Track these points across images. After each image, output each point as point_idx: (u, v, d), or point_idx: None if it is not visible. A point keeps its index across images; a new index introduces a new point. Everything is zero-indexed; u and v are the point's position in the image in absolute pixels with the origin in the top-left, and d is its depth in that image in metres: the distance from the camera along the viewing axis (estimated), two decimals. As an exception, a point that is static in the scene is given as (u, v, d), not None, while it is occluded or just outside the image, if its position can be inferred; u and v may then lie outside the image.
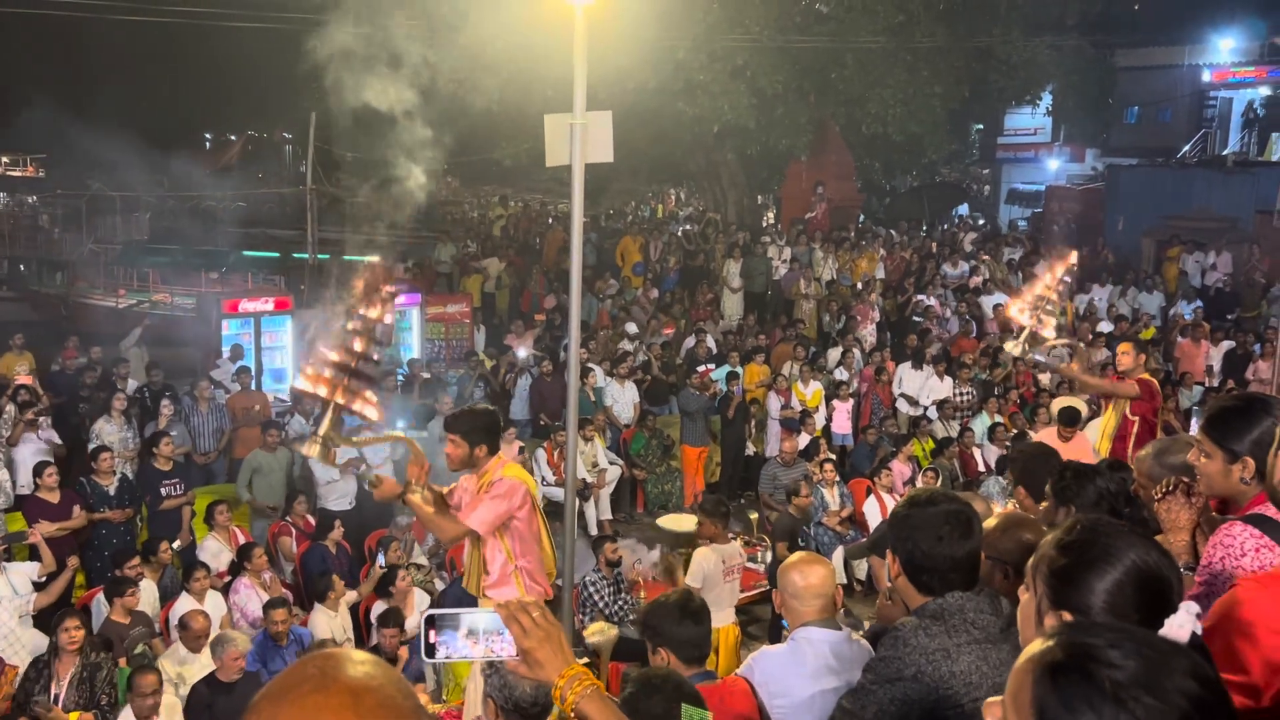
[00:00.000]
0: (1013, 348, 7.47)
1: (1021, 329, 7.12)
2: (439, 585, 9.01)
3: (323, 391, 4.46)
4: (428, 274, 19.96)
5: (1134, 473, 3.78)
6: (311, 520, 9.82)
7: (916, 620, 2.51)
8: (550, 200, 34.97)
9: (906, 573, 2.66)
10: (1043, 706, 1.36)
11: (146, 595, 8.05)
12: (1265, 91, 30.51)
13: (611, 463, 12.27)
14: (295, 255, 20.16)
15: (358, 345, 4.50)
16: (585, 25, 7.10)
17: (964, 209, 34.29)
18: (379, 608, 8.00)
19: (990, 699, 1.47)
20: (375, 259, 19.91)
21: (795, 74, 19.59)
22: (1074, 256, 7.89)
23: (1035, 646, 1.41)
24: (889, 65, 20.68)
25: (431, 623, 2.09)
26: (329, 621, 7.92)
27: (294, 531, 9.58)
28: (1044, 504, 3.86)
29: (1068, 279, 7.85)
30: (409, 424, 12.06)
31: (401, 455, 11.12)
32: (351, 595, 8.32)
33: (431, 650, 2.09)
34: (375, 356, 4.70)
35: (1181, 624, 1.54)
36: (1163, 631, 1.55)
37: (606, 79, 14.07)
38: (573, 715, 2.12)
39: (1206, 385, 15.03)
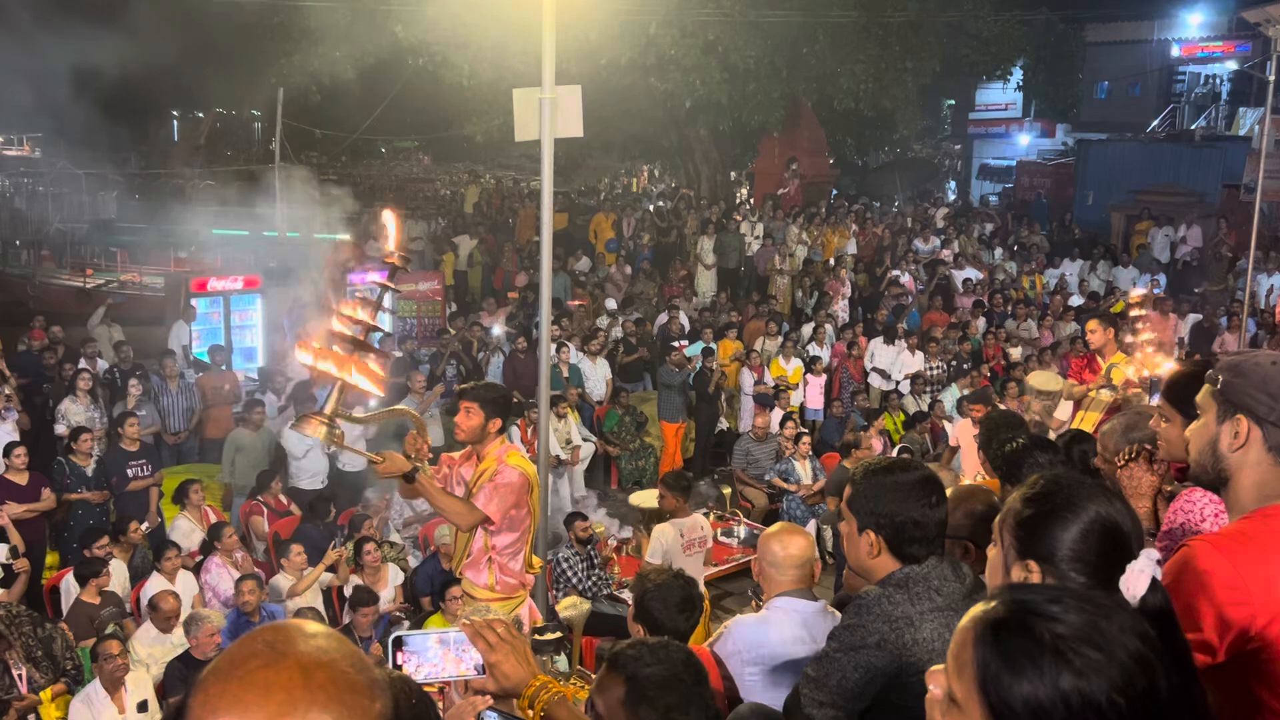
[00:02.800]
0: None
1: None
2: (412, 562, 9.01)
3: (328, 366, 4.23)
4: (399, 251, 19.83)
5: (1098, 445, 3.81)
6: (284, 500, 9.77)
7: (880, 589, 2.52)
8: (523, 177, 34.78)
9: (892, 546, 2.57)
10: (984, 664, 1.35)
11: (117, 575, 8.00)
12: (1232, 66, 30.74)
13: (585, 439, 12.28)
14: (265, 233, 19.96)
15: (363, 314, 4.29)
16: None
17: (952, 186, 34.38)
18: (352, 582, 7.99)
19: (934, 667, 1.47)
20: (346, 237, 19.80)
21: (767, 49, 19.53)
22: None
23: (977, 608, 1.42)
24: (860, 40, 20.65)
25: (399, 644, 2.13)
26: (290, 585, 7.90)
27: (266, 511, 9.54)
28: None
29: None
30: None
31: (375, 433, 11.08)
32: (328, 578, 8.29)
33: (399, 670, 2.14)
34: (382, 326, 4.49)
35: (1142, 569, 1.55)
36: (1124, 576, 1.56)
37: (578, 53, 14.01)
38: None
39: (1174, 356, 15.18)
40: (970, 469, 7.29)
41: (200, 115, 37.08)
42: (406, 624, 7.91)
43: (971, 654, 1.38)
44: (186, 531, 8.94)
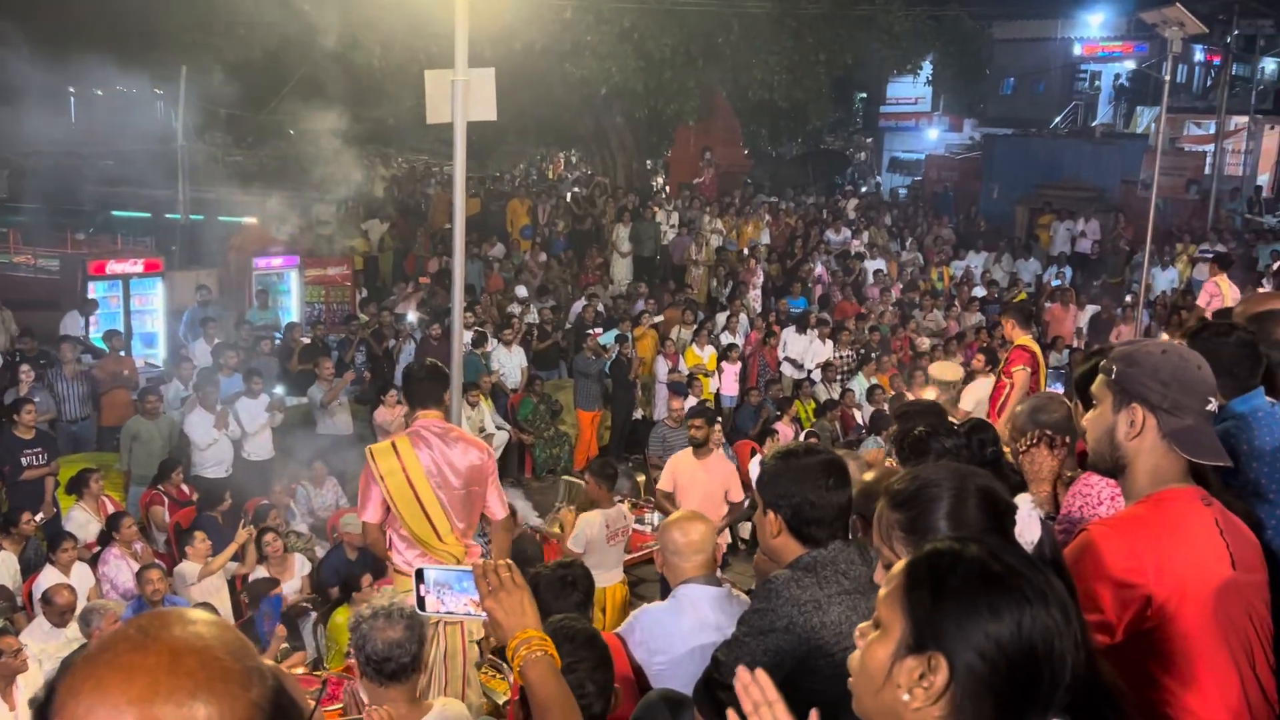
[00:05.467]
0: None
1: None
2: (319, 552, 8.85)
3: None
4: (307, 235, 19.43)
5: (1010, 425, 3.88)
6: (186, 489, 9.51)
7: (789, 573, 2.55)
8: (436, 161, 34.27)
9: (791, 527, 2.63)
10: (914, 582, 1.38)
11: (6, 568, 7.70)
12: (1131, 65, 31.77)
13: (499, 428, 12.19)
14: (168, 215, 19.36)
15: None
16: (467, -21, 6.95)
17: (879, 179, 34.87)
18: (258, 573, 7.81)
19: (860, 624, 1.49)
20: (252, 220, 19.31)
21: (683, 38, 19.55)
22: None
23: (900, 565, 1.44)
24: (775, 31, 20.81)
25: (420, 577, 2.14)
26: (196, 573, 7.69)
27: (166, 501, 9.27)
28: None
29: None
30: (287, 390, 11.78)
31: (280, 421, 10.83)
32: (232, 566, 8.08)
33: (422, 603, 2.15)
34: None
35: (1029, 513, 1.59)
36: (1017, 526, 1.59)
37: (492, 37, 13.81)
38: (518, 677, 2.15)
39: (1073, 348, 15.69)
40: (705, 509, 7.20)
41: (99, 92, 35.75)
42: (313, 614, 7.76)
43: (903, 581, 1.39)
44: (82, 522, 8.63)
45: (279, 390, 11.35)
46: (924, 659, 1.36)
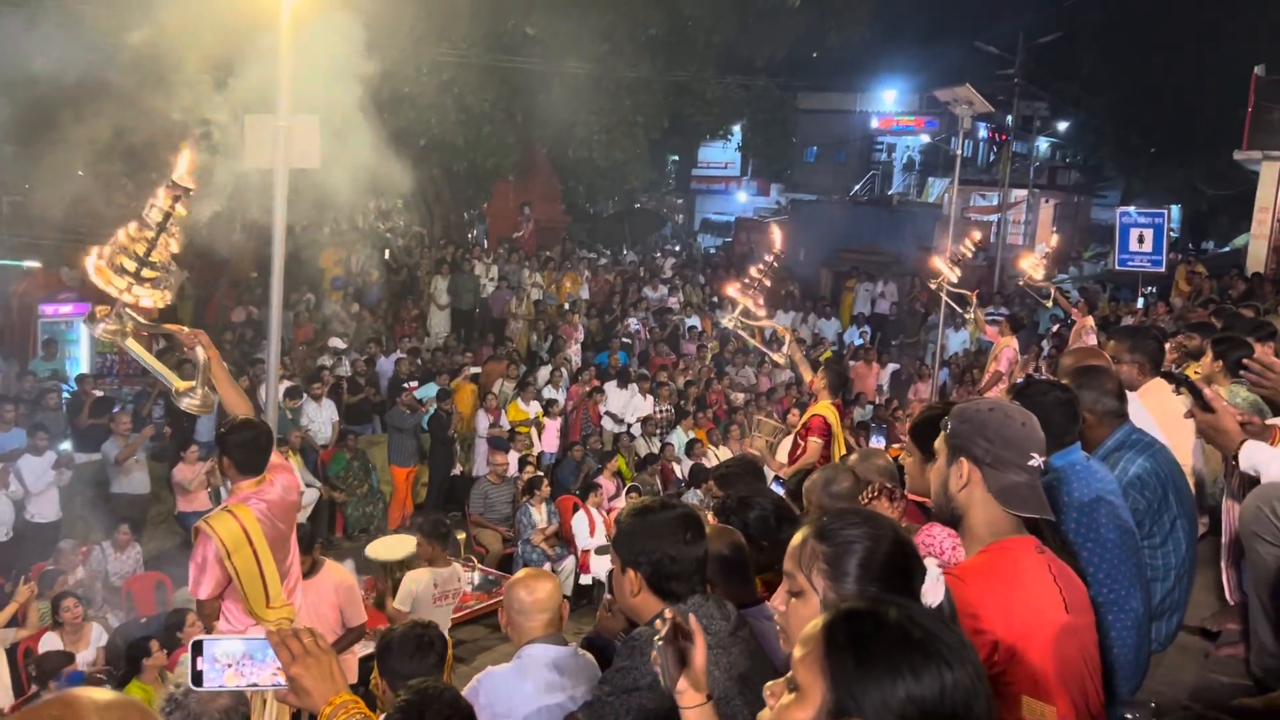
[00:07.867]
0: (729, 321, 8.16)
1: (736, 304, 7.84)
2: (113, 621, 8.21)
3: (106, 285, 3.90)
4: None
5: (804, 499, 3.94)
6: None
7: (651, 629, 2.52)
8: (237, 207, 32.99)
9: (651, 583, 2.60)
10: (835, 646, 1.37)
11: None
12: (924, 139, 33.96)
13: (308, 485, 11.69)
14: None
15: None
16: (292, 25, 6.78)
17: (704, 239, 35.60)
18: (48, 643, 7.16)
19: (770, 682, 1.48)
20: (35, 264, 18.01)
21: (504, 94, 19.64)
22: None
23: (819, 622, 1.44)
24: (594, 93, 21.17)
25: (199, 649, 1.97)
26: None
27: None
28: None
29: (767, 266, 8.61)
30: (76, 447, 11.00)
31: (69, 480, 10.07)
32: (9, 634, 7.38)
33: (199, 678, 1.97)
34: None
35: (936, 577, 1.63)
36: (924, 586, 1.63)
37: (307, 84, 13.47)
38: None
39: (875, 403, 16.47)
40: None
41: None
42: (107, 685, 7.17)
43: (822, 643, 1.38)
44: None
45: (66, 446, 10.56)
46: None
